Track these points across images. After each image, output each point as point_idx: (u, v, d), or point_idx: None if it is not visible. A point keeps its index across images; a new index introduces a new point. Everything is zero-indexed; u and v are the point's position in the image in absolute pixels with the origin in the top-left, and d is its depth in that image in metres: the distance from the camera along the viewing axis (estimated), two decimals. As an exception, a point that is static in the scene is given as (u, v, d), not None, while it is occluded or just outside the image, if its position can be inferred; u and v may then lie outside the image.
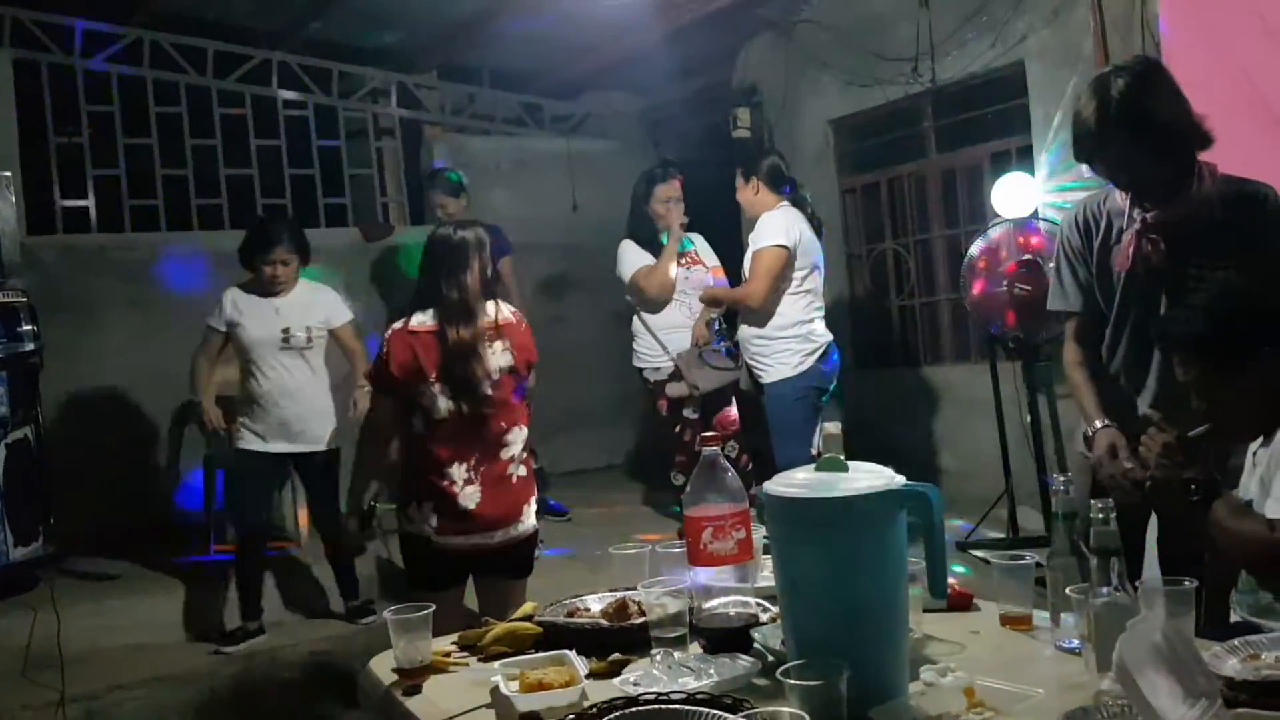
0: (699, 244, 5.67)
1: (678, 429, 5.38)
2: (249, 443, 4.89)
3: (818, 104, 7.07)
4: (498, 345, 3.42)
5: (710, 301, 5.29)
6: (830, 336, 5.05)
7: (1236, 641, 1.79)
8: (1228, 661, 1.72)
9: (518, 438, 3.49)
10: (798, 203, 5.10)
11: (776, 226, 4.94)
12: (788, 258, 4.91)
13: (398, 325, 3.45)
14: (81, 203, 6.84)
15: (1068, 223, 2.91)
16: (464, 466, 3.40)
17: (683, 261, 5.51)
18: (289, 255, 4.88)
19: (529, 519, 3.51)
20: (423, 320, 3.42)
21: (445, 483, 3.38)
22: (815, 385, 4.96)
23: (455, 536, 3.41)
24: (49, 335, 5.87)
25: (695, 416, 5.34)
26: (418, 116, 7.96)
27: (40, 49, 6.66)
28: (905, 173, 6.85)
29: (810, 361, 4.92)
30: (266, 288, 4.89)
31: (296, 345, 4.89)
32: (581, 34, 7.17)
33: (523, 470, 3.50)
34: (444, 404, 3.40)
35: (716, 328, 5.41)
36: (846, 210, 7.18)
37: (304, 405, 4.91)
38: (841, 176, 7.17)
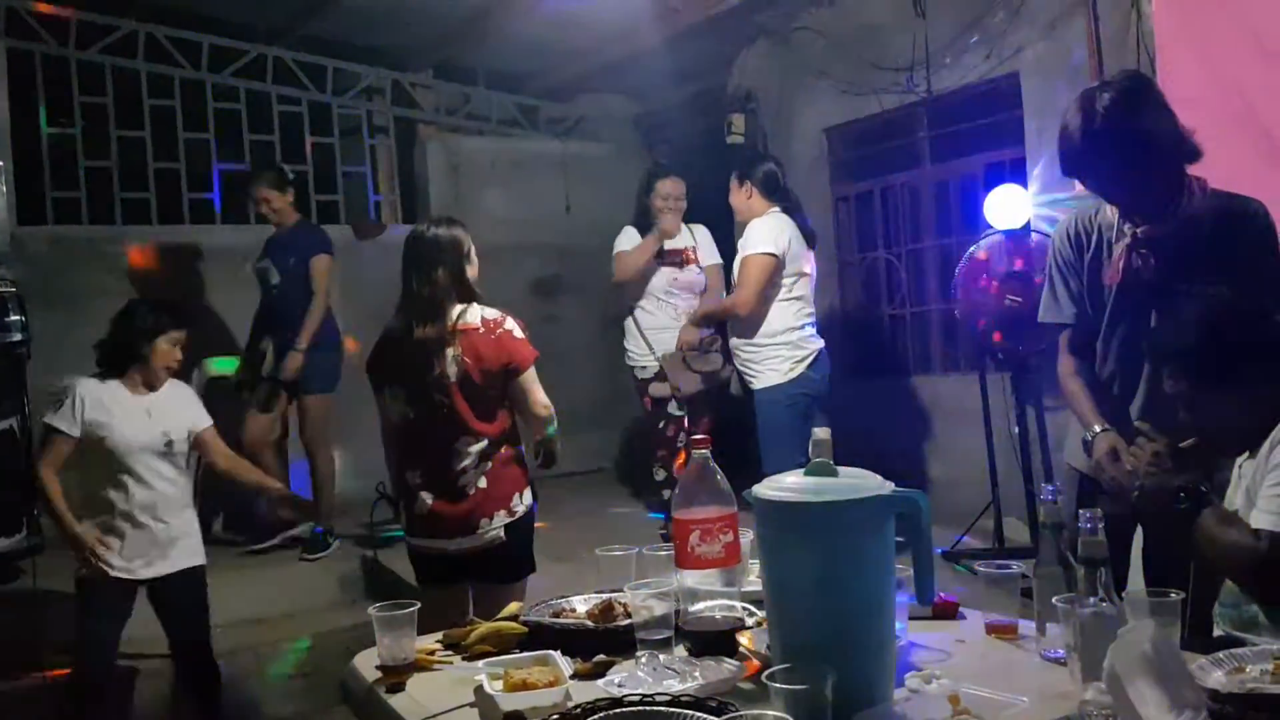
0: (700, 238, 5.72)
1: (661, 424, 5.53)
2: (109, 568, 3.90)
3: (813, 112, 7.08)
4: (448, 352, 3.35)
5: (702, 321, 5.36)
6: (821, 343, 5.06)
7: (1222, 654, 1.79)
8: (1213, 674, 1.72)
9: (470, 448, 3.38)
10: (789, 211, 5.11)
11: (765, 233, 4.95)
12: (776, 265, 4.92)
13: (384, 329, 3.51)
14: (73, 194, 6.81)
15: (1059, 235, 2.92)
16: (417, 473, 3.42)
17: (675, 260, 5.55)
18: (179, 335, 4.09)
19: (492, 530, 3.40)
20: (393, 323, 3.46)
21: (408, 485, 3.43)
22: (806, 392, 4.95)
23: (418, 538, 3.46)
24: (37, 326, 5.85)
25: (680, 413, 5.45)
26: (412, 115, 7.96)
27: (35, 39, 6.64)
28: (899, 182, 6.86)
29: (801, 368, 4.93)
30: (152, 378, 4.05)
31: (179, 451, 4.06)
32: (578, 37, 7.18)
33: (483, 482, 3.39)
34: (398, 409, 3.43)
35: (710, 332, 5.43)
36: (839, 218, 7.19)
37: (176, 519, 4.02)
38: (835, 184, 7.17)
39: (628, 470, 7.60)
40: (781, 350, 4.93)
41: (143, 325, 4.02)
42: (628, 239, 5.63)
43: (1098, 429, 2.73)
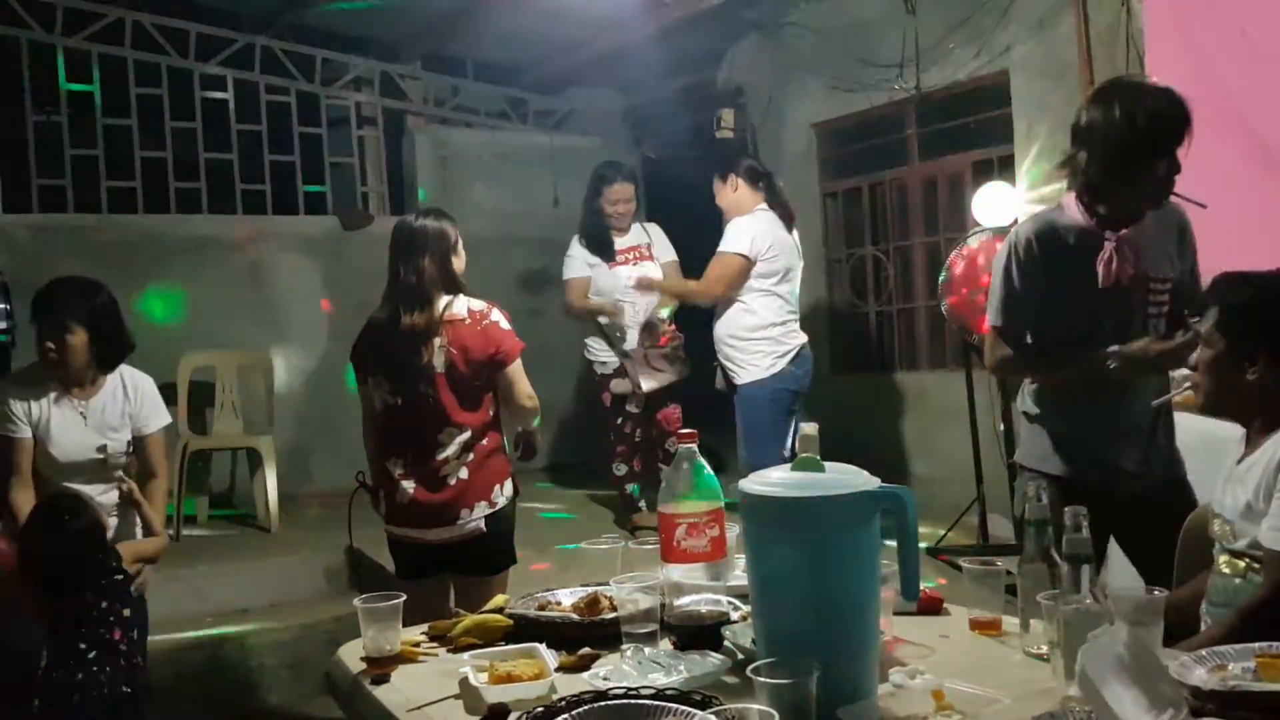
0: (655, 235, 5.73)
1: (620, 421, 5.59)
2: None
3: (802, 107, 7.08)
4: (435, 342, 3.36)
5: (648, 287, 5.38)
6: (804, 339, 5.07)
7: (1204, 651, 1.80)
8: (1195, 671, 1.73)
9: (457, 440, 3.38)
10: (773, 201, 5.10)
11: (743, 234, 4.96)
12: (745, 266, 4.95)
13: (369, 319, 3.51)
14: (58, 182, 6.77)
15: (1024, 240, 2.87)
16: (400, 462, 3.41)
17: (630, 258, 5.58)
18: (76, 327, 3.36)
19: (473, 520, 3.39)
20: (381, 313, 3.45)
21: (391, 473, 3.42)
22: (788, 388, 4.97)
23: (398, 528, 3.46)
24: (21, 315, 5.82)
25: (637, 411, 5.53)
26: (401, 107, 7.93)
27: (20, 25, 6.60)
28: (887, 179, 6.86)
29: (783, 364, 4.94)
30: (60, 375, 3.40)
31: (115, 465, 3.44)
32: (567, 29, 7.16)
33: (464, 473, 3.38)
34: (381, 397, 3.43)
35: (664, 327, 5.46)
36: (827, 214, 7.20)
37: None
38: (823, 181, 7.18)
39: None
40: (765, 345, 4.94)
41: (39, 318, 3.40)
42: (578, 261, 5.65)
43: (1114, 347, 2.76)
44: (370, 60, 7.70)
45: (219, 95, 7.23)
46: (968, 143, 6.33)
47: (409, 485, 3.38)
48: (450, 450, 3.37)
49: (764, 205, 5.08)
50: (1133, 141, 2.68)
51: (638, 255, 5.62)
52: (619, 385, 5.52)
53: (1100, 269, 2.78)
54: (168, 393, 6.48)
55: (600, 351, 5.65)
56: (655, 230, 5.82)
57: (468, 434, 3.38)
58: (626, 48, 7.19)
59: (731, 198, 5.11)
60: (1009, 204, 5.33)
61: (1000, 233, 5.31)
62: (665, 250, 5.77)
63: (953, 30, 6.02)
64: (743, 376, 4.97)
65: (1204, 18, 4.60)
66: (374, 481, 3.51)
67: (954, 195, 6.38)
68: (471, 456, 3.39)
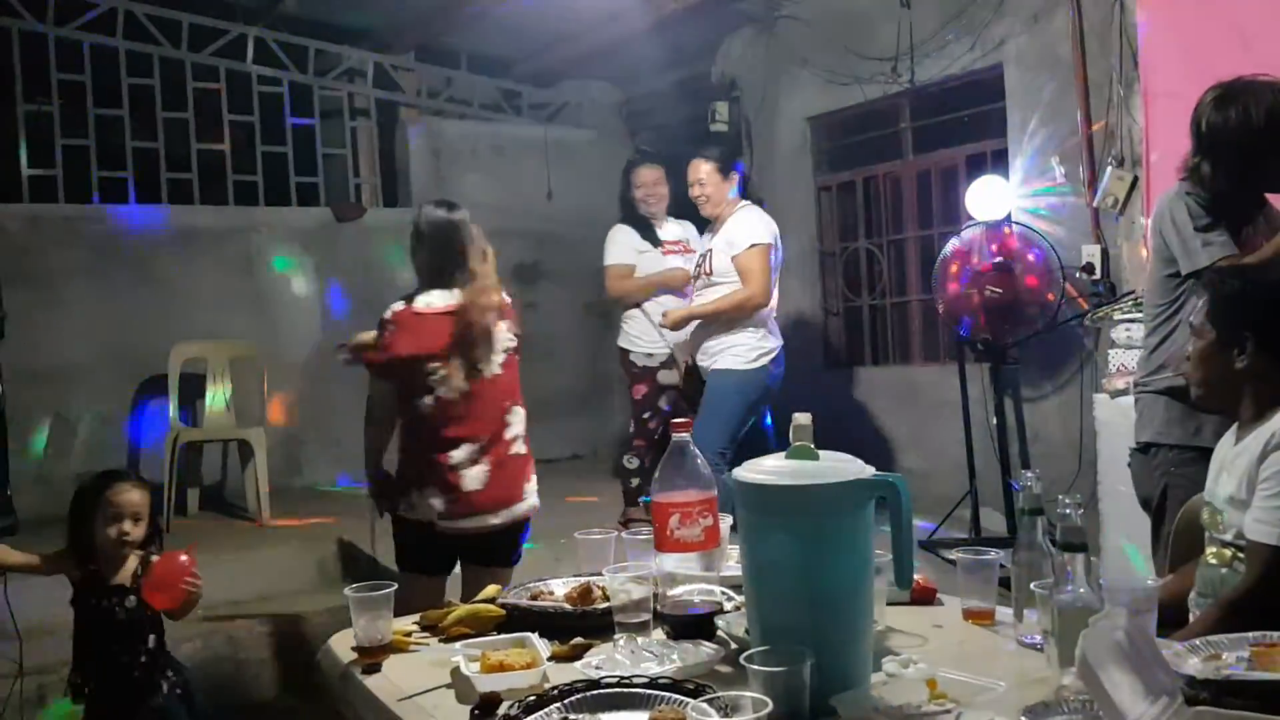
0: (691, 233, 5.63)
1: (646, 415, 5.44)
2: None
3: (796, 100, 7.08)
4: (502, 325, 3.50)
5: (683, 321, 4.98)
6: (781, 342, 4.91)
7: (1198, 641, 1.81)
8: (1189, 660, 1.73)
9: (519, 417, 3.53)
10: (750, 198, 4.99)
11: (761, 224, 4.81)
12: (771, 253, 4.82)
13: (399, 307, 3.44)
14: (49, 172, 6.74)
15: (1188, 202, 2.94)
16: (473, 447, 3.41)
17: (675, 249, 5.50)
18: None
19: (530, 497, 3.53)
20: (430, 301, 3.43)
21: (450, 465, 3.39)
22: (759, 385, 4.81)
23: (459, 520, 3.41)
24: (12, 305, 5.81)
25: (667, 409, 5.36)
26: (394, 98, 7.91)
27: (11, 14, 6.56)
28: (881, 172, 6.87)
29: (764, 361, 4.80)
30: None
31: None
32: (562, 21, 7.14)
33: (523, 448, 3.53)
34: (455, 383, 3.39)
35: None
36: (821, 208, 7.19)
37: None
38: (817, 174, 7.18)
39: (605, 458, 7.60)
40: (749, 338, 4.79)
41: None
42: (621, 244, 5.44)
43: None
44: (364, 51, 7.68)
45: (211, 86, 7.20)
46: (962, 136, 6.34)
47: (479, 471, 3.40)
48: (516, 428, 3.50)
49: (747, 201, 4.95)
50: (1252, 141, 2.69)
51: (684, 248, 5.53)
52: (666, 376, 5.36)
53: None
54: (159, 384, 6.51)
55: (642, 341, 5.41)
56: (692, 228, 5.73)
57: (523, 411, 3.53)
58: (621, 40, 7.18)
59: (726, 194, 4.91)
60: (1002, 198, 5.34)
61: (993, 227, 5.32)
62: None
63: (947, 24, 6.03)
64: (719, 363, 4.81)
65: (1197, 11, 4.61)
66: (416, 481, 3.43)
67: (948, 189, 6.38)
68: (526, 434, 3.55)
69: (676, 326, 5.00)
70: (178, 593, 3.07)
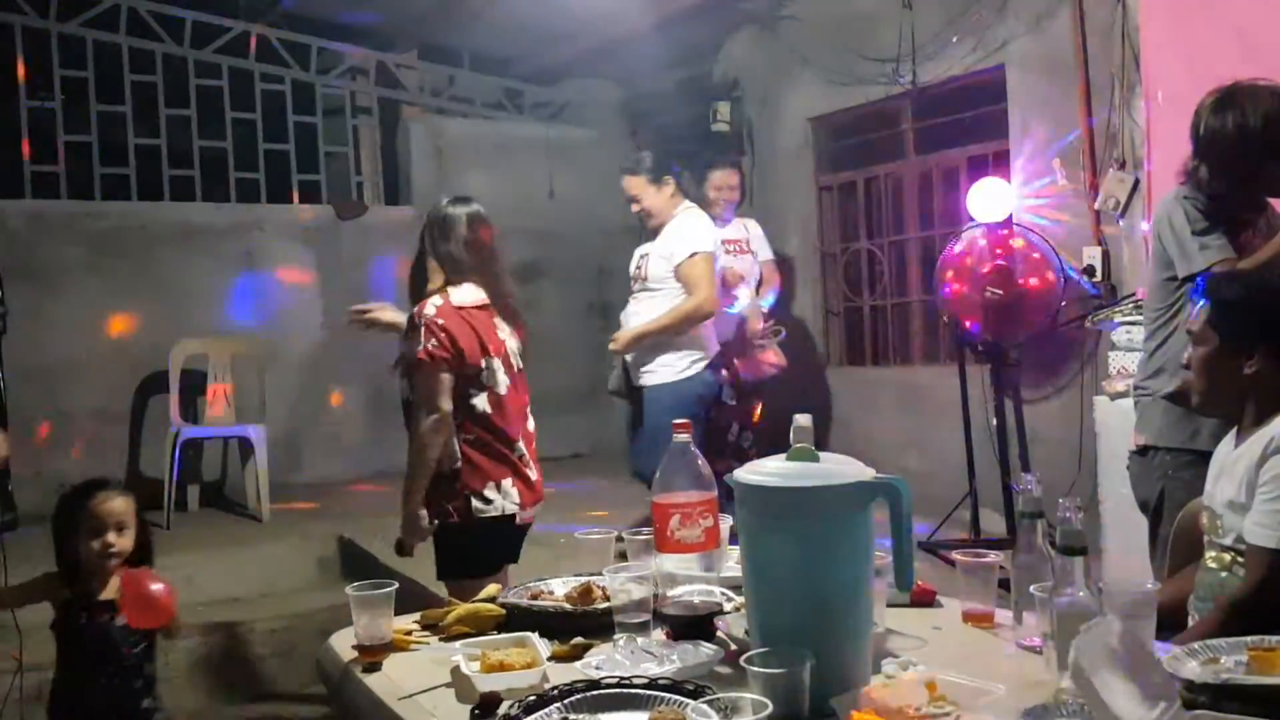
0: (754, 232, 5.65)
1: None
2: None
3: (798, 100, 7.07)
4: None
5: (635, 340, 4.62)
6: (718, 348, 4.74)
7: (1196, 644, 1.81)
8: (1188, 664, 1.73)
9: (528, 414, 3.58)
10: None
11: (704, 232, 4.60)
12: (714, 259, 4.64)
13: (440, 303, 3.31)
14: (52, 168, 6.75)
15: (1188, 205, 2.95)
16: (523, 439, 3.45)
17: (731, 250, 5.50)
18: None
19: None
20: (463, 297, 3.36)
21: (517, 456, 3.42)
22: (693, 395, 4.56)
23: (529, 509, 3.45)
24: (14, 301, 5.81)
25: (733, 402, 5.28)
26: (396, 96, 7.91)
27: (14, 11, 6.57)
28: (882, 173, 6.86)
29: (696, 369, 4.58)
30: None
31: None
32: (564, 20, 7.14)
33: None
34: (503, 379, 3.38)
35: (771, 322, 5.54)
36: (823, 208, 7.19)
37: None
38: (819, 174, 7.17)
39: (605, 456, 7.60)
40: (679, 349, 4.58)
41: None
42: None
43: None
44: (366, 49, 7.68)
45: (214, 83, 7.21)
46: (963, 137, 6.33)
47: (534, 465, 3.48)
48: (531, 424, 3.53)
49: (688, 203, 4.72)
50: (1249, 146, 2.70)
51: (739, 249, 5.56)
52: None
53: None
54: (160, 380, 6.51)
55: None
56: (755, 227, 5.73)
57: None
58: (623, 39, 7.18)
59: (667, 200, 4.63)
60: (1003, 199, 5.33)
61: (994, 228, 5.32)
62: (763, 248, 5.74)
63: (949, 24, 6.02)
64: (651, 379, 4.59)
65: (1200, 14, 4.61)
66: (490, 477, 3.34)
67: (949, 190, 6.37)
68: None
69: (626, 349, 4.66)
70: (159, 610, 2.90)
